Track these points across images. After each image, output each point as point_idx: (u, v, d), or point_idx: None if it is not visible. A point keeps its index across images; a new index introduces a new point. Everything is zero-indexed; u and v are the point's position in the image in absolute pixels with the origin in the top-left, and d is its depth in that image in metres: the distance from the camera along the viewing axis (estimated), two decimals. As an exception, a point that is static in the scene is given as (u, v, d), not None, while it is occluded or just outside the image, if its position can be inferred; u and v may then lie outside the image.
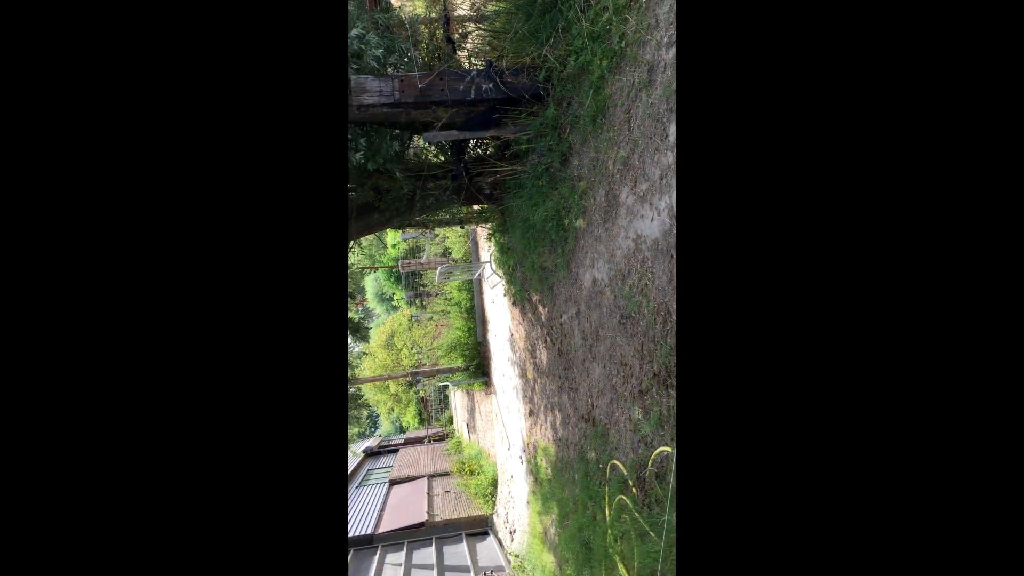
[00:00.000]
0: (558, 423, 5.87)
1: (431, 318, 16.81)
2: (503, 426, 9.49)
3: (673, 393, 3.24)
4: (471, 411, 14.44)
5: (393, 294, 24.44)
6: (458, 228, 11.48)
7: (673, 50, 3.08)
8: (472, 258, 11.77)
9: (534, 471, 7.06)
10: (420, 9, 7.48)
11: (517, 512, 8.48)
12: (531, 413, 7.15)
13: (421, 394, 20.40)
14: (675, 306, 3.21)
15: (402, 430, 28.41)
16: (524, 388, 7.48)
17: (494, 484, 10.63)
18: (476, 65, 5.31)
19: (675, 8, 3.04)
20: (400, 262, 12.04)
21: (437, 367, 14.59)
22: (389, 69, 4.76)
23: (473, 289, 11.78)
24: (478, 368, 12.02)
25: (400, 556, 9.63)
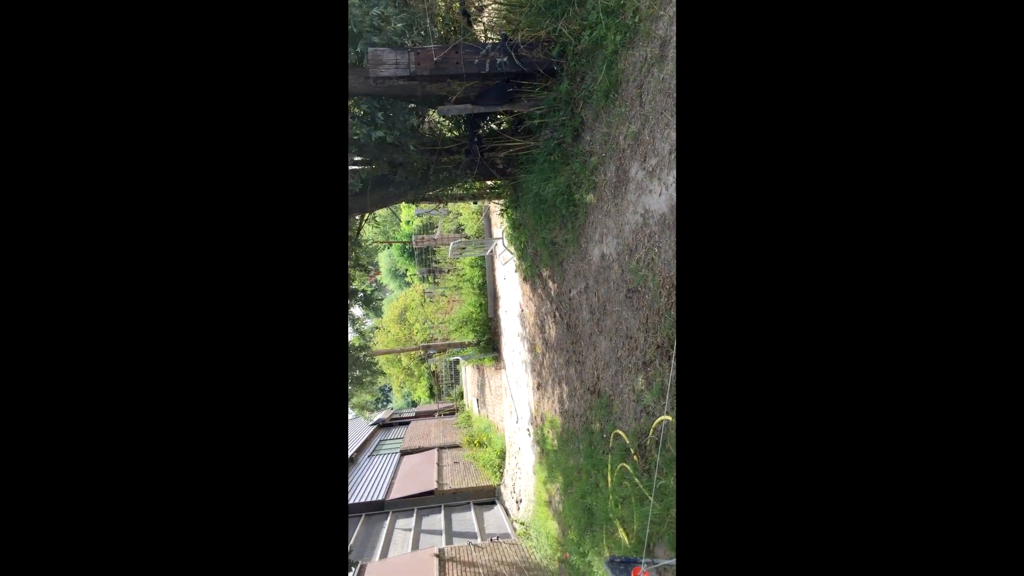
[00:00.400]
0: (565, 395, 6.01)
1: (443, 294, 16.98)
2: (512, 400, 9.67)
3: (674, 364, 3.34)
4: (481, 386, 14.66)
5: (406, 270, 24.62)
6: (471, 204, 11.54)
7: (685, 25, 3.11)
8: (485, 234, 11.85)
9: (541, 442, 7.23)
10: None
11: (524, 483, 8.70)
12: (539, 387, 7.30)
13: (432, 368, 20.70)
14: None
15: (413, 404, 28.85)
16: (533, 362, 7.62)
17: (502, 456, 10.87)
18: (491, 39, 5.33)
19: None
20: (414, 238, 12.15)
21: (448, 342, 14.79)
22: (407, 43, 4.81)
23: (485, 265, 11.88)
24: (488, 343, 12.18)
25: (410, 521, 9.93)
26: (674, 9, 3.19)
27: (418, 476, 11.76)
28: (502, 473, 10.69)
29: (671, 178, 3.35)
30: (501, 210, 7.91)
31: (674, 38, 3.22)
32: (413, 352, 18.41)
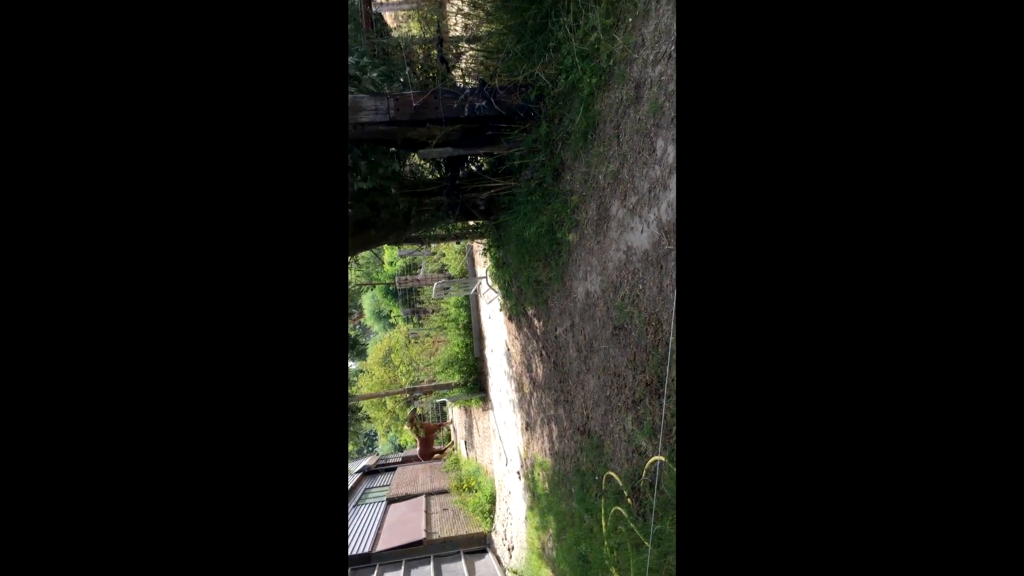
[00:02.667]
0: (554, 436, 5.89)
1: (428, 335, 16.82)
2: (500, 442, 9.47)
3: (665, 403, 3.29)
4: (469, 428, 14.38)
5: (390, 311, 24.44)
6: (454, 244, 11.56)
7: (659, 67, 3.18)
8: (468, 274, 11.84)
9: (531, 486, 7.05)
10: (416, 30, 7.64)
11: (515, 528, 8.43)
12: (528, 427, 7.16)
13: (419, 411, 20.33)
14: (665, 316, 3.27)
15: (400, 449, 28.16)
16: (520, 402, 7.49)
17: (492, 500, 10.57)
18: (470, 83, 5.42)
19: (661, 26, 3.14)
20: (397, 279, 12.09)
21: (434, 383, 14.57)
22: (386, 90, 4.87)
23: (470, 305, 11.83)
24: (475, 384, 12.02)
25: (398, 575, 9.53)
26: (647, 53, 3.27)
27: (406, 525, 11.36)
28: (493, 519, 10.37)
29: (652, 215, 3.37)
30: (484, 249, 7.92)
31: (648, 80, 3.29)
32: (399, 395, 18.10)
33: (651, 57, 3.23)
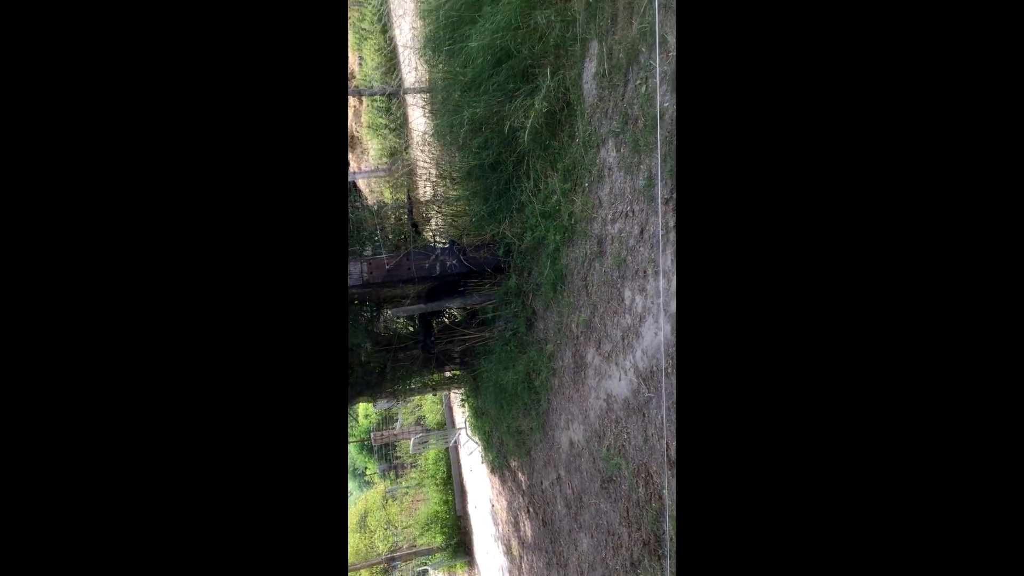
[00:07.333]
0: (550, 607, 5.31)
1: (406, 492, 15.79)
2: (491, 614, 8.48)
3: (667, 565, 3.04)
4: (455, 598, 12.93)
5: (366, 468, 23.11)
6: (431, 395, 11.32)
7: (618, 224, 3.40)
8: (447, 424, 11.46)
9: (529, 670, 6.20)
10: (388, 196, 8.17)
11: None
12: (520, 596, 6.47)
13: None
14: (655, 467, 3.14)
15: (378, 628, 24.94)
16: (511, 567, 6.85)
17: None
18: (440, 243, 5.69)
19: (615, 189, 3.41)
20: (373, 434, 11.60)
21: (414, 548, 13.36)
22: (359, 254, 5.06)
23: (449, 457, 11.29)
24: (459, 546, 11.06)
25: None
26: (605, 212, 3.51)
27: None
28: None
29: (628, 363, 3.38)
30: (462, 400, 7.75)
31: (609, 236, 3.50)
32: (375, 565, 16.48)
33: (609, 216, 3.47)
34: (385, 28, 9.55)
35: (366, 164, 11.33)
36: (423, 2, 4.94)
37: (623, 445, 3.50)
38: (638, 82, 3.02)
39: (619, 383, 3.50)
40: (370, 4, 9.59)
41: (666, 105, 2.76)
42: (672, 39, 2.66)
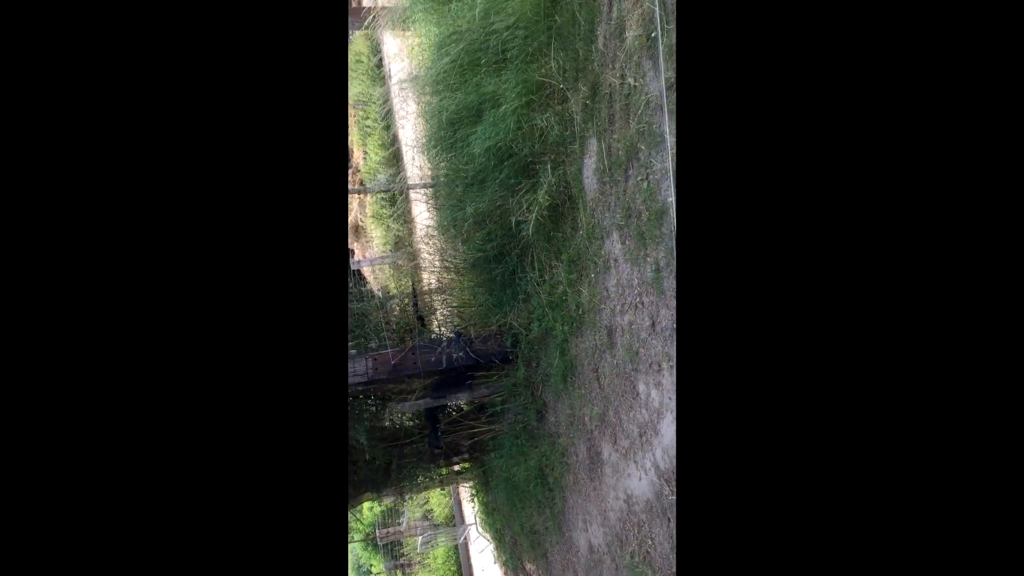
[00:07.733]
0: None
1: (414, 593, 14.78)
2: None
3: None
4: None
5: (371, 566, 21.84)
6: (438, 489, 10.85)
7: (627, 316, 3.34)
8: (456, 520, 10.89)
9: None
10: (392, 286, 8.20)
11: None
12: None
13: None
14: None
15: None
16: None
17: None
18: (446, 334, 5.62)
19: (622, 280, 3.38)
20: (378, 531, 11.02)
21: (424, 659, 12.31)
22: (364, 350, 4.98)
23: (459, 555, 10.64)
24: (473, 657, 10.18)
25: None
26: (613, 303, 3.46)
27: None
28: None
29: (647, 461, 3.21)
30: (471, 495, 7.39)
31: (619, 327, 3.43)
32: None
33: (618, 307, 3.41)
34: (388, 126, 10.00)
35: (371, 252, 11.50)
36: (425, 104, 5.15)
37: (648, 552, 3.25)
38: (639, 178, 3.06)
39: (639, 482, 3.31)
40: (374, 104, 10.10)
41: (670, 200, 2.78)
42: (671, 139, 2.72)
